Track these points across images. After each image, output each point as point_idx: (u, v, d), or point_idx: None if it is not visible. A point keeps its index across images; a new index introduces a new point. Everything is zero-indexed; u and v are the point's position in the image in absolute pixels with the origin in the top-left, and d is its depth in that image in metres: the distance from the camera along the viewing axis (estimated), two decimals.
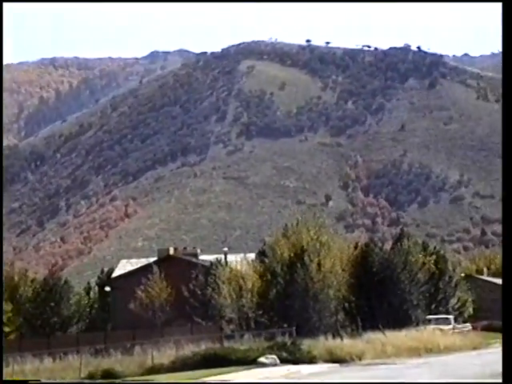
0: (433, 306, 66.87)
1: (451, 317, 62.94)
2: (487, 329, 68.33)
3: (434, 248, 77.51)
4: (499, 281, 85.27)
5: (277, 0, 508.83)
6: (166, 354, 42.03)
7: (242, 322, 55.16)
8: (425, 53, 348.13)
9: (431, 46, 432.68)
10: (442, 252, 78.07)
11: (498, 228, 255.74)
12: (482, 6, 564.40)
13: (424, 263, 66.38)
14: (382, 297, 58.68)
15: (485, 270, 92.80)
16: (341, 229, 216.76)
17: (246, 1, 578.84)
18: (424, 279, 65.16)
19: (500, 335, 62.36)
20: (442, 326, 56.54)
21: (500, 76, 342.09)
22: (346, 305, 58.30)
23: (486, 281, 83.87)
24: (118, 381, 36.24)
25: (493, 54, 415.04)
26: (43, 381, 33.88)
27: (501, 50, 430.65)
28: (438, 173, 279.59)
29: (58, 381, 32.13)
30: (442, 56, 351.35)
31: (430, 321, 59.33)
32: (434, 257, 70.31)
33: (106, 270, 79.68)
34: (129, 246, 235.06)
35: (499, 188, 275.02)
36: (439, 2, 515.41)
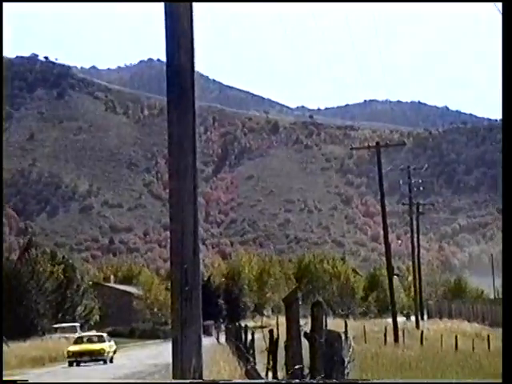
0: (60, 315, 67.30)
1: (77, 324, 63.77)
2: (112, 335, 70.18)
3: (63, 257, 78.09)
4: (125, 287, 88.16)
5: None
6: None
7: None
8: (53, 63, 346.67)
9: (59, 57, 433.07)
10: (70, 261, 78.89)
11: (125, 236, 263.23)
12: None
13: (52, 272, 66.82)
14: (8, 307, 57.77)
15: (112, 277, 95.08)
16: None
17: None
18: (52, 288, 65.48)
19: (124, 340, 64.51)
20: (68, 334, 57.08)
21: (126, 89, 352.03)
22: None
23: (113, 288, 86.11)
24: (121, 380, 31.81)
25: (119, 67, 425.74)
26: (46, 381, 28.95)
27: (127, 64, 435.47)
28: (68, 182, 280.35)
29: (61, 381, 27.50)
30: (70, 67, 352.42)
31: (56, 329, 59.60)
32: (62, 266, 71.12)
33: None
34: None
35: (127, 197, 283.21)
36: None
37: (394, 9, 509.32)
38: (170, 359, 7.68)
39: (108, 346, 44.39)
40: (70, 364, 42.39)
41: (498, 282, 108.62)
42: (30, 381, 7.23)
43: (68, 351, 43.67)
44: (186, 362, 7.44)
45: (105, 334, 47.90)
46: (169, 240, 8.07)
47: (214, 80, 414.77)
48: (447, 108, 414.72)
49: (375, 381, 5.59)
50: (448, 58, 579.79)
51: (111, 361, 43.60)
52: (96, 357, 42.71)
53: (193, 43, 8.19)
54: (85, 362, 42.17)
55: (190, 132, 8.11)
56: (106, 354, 43.07)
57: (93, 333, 50.37)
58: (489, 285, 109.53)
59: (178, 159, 8.04)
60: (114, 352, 45.69)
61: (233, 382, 7.24)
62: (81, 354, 42.83)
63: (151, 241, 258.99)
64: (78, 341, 45.28)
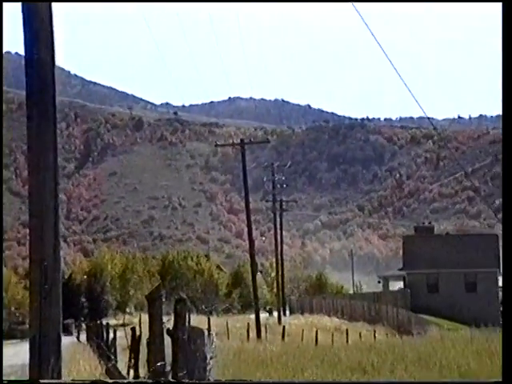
0: None
1: None
2: None
3: None
4: None
5: None
6: None
7: None
8: None
9: None
10: None
11: None
12: None
13: None
14: None
15: None
16: None
17: None
18: None
19: None
20: None
21: None
22: None
23: None
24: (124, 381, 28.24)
25: None
26: (45, 381, 25.29)
27: None
28: None
29: (61, 381, 23.97)
30: None
31: None
32: None
33: None
34: None
35: None
36: None
37: (258, 8, 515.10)
38: (27, 359, 7.49)
39: None
40: None
41: (357, 277, 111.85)
42: None
43: None
44: (44, 362, 7.29)
45: None
46: (28, 238, 7.88)
47: (75, 75, 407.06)
48: (309, 106, 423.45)
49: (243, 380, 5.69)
50: (311, 56, 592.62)
51: None
52: None
53: (53, 36, 8.01)
54: None
55: (51, 127, 7.94)
56: None
57: None
58: (348, 280, 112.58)
59: (39, 155, 7.86)
60: None
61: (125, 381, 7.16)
62: None
63: (9, 238, 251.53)
64: None
